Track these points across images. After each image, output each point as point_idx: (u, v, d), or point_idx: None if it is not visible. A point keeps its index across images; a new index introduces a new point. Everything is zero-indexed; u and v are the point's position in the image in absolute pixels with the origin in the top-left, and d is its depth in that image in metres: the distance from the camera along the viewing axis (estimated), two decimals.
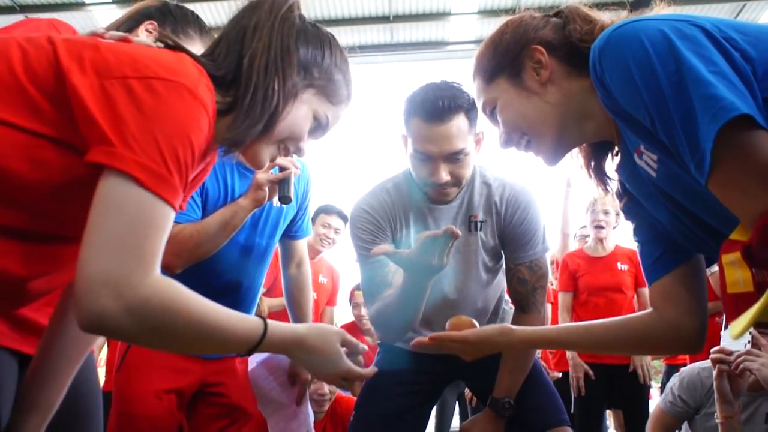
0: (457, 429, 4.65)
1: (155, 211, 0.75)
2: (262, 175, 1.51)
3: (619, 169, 1.01)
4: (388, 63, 8.13)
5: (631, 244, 3.26)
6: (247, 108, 0.88)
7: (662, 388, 3.69)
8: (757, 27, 0.83)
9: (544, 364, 3.08)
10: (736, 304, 0.72)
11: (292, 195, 1.52)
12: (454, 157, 1.47)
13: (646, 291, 1.89)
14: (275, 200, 1.60)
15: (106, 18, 7.16)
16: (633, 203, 1.05)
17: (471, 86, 1.13)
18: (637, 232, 1.08)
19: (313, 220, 3.37)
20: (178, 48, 0.89)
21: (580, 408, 3.21)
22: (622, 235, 3.55)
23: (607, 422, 4.23)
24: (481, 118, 1.16)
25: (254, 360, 1.82)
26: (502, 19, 1.09)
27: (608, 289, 3.35)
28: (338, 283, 3.67)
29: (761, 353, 1.70)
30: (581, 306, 3.40)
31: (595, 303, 3.36)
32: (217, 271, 1.62)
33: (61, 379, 1.01)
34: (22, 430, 0.98)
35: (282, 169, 1.52)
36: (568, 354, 3.24)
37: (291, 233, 1.85)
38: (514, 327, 1.22)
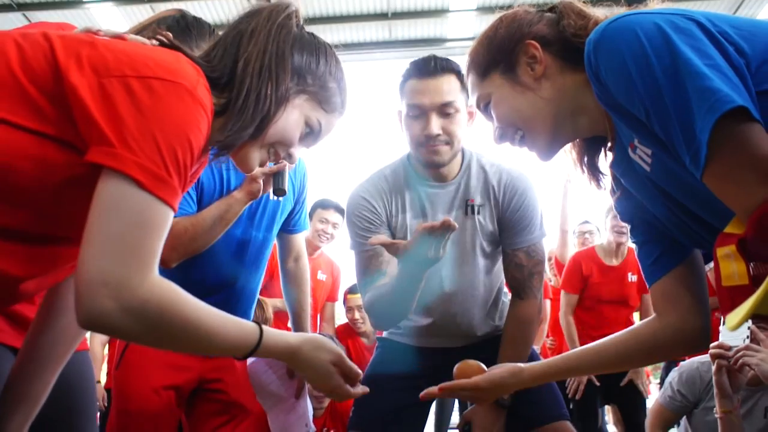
0: (457, 423, 4.66)
1: (154, 212, 0.75)
2: (256, 168, 1.52)
3: (614, 164, 1.01)
4: (386, 60, 8.10)
5: None
6: (240, 110, 0.88)
7: (661, 384, 3.71)
8: (750, 21, 0.84)
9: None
10: (731, 297, 0.73)
11: (287, 187, 1.52)
12: (444, 111, 1.51)
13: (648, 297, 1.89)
14: (271, 193, 1.60)
15: (104, 16, 7.15)
16: (629, 202, 1.05)
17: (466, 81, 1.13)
18: (635, 233, 1.08)
19: (310, 215, 3.34)
20: (174, 47, 0.90)
21: (578, 403, 3.21)
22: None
23: (606, 417, 4.24)
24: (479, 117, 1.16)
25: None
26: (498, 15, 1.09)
27: (616, 301, 3.35)
28: (339, 278, 3.63)
29: (760, 348, 1.70)
30: (585, 311, 3.37)
31: (599, 311, 3.37)
32: (213, 266, 1.61)
33: (48, 373, 1.01)
34: (9, 423, 0.98)
35: (276, 161, 1.52)
36: None
37: (288, 227, 1.85)
38: (523, 366, 1.21)
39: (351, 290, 3.52)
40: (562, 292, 3.44)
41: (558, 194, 3.84)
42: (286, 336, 0.92)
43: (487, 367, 1.26)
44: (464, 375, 1.23)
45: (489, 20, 1.08)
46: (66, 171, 0.78)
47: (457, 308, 1.65)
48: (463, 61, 1.14)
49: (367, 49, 7.79)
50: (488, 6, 7.22)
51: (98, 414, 3.33)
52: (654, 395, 3.90)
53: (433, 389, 1.24)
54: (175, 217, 1.23)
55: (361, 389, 1.01)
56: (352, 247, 1.62)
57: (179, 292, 0.79)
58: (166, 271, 1.48)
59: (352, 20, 7.42)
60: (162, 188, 0.75)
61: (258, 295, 1.89)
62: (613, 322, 3.21)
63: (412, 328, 1.70)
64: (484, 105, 1.07)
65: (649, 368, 3.53)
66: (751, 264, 0.72)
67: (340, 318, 3.83)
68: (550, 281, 4.22)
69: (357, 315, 3.49)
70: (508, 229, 1.60)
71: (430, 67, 1.52)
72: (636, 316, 3.52)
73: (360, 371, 1.00)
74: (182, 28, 1.35)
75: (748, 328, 1.75)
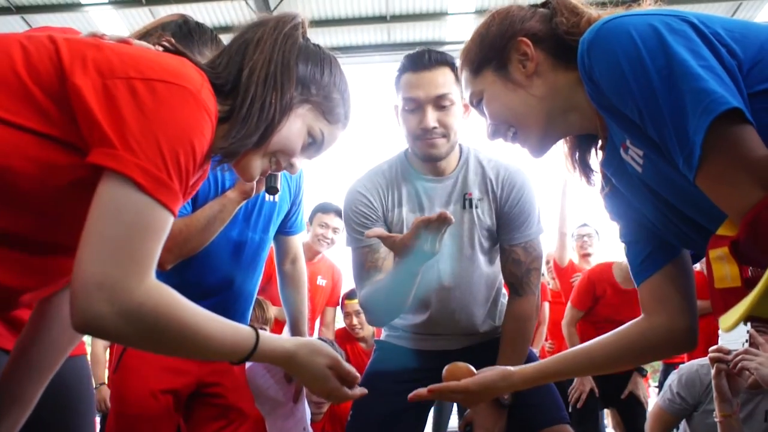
0: (455, 427, 4.65)
1: (153, 215, 0.75)
2: None
3: (605, 163, 1.01)
4: (385, 63, 8.12)
5: None
6: (244, 118, 0.88)
7: (660, 387, 3.71)
8: (742, 24, 0.84)
9: None
10: (724, 299, 0.73)
11: (280, 186, 1.52)
12: (440, 103, 1.51)
13: None
14: (265, 193, 1.60)
15: (102, 19, 7.15)
16: (618, 201, 1.05)
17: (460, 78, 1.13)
18: (623, 232, 1.08)
19: (310, 219, 3.31)
20: (179, 53, 0.90)
21: (577, 407, 3.21)
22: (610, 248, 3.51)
23: (605, 421, 4.23)
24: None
25: None
26: None
27: (624, 323, 3.32)
28: (340, 283, 3.59)
29: (759, 352, 1.70)
30: (595, 328, 3.27)
31: (609, 330, 3.33)
32: (209, 267, 1.61)
33: (38, 379, 1.01)
34: (1, 424, 0.98)
35: None
36: None
37: (285, 229, 1.85)
38: (513, 369, 1.21)
39: (349, 296, 3.50)
40: (569, 305, 3.39)
41: (557, 196, 3.84)
42: (282, 341, 0.92)
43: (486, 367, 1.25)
44: (453, 377, 1.23)
45: None
46: (69, 174, 0.77)
47: (456, 304, 1.64)
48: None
49: (365, 52, 7.81)
50: (487, 9, 7.21)
51: (102, 416, 3.33)
52: (653, 398, 3.90)
53: (422, 391, 1.23)
54: None
55: (359, 391, 1.01)
56: (348, 243, 1.62)
57: (176, 296, 0.78)
58: (163, 273, 1.48)
59: (351, 23, 7.43)
60: (162, 191, 0.75)
61: (257, 296, 1.89)
62: None
63: (410, 327, 1.69)
64: (477, 102, 1.07)
65: (647, 370, 3.52)
66: (743, 266, 0.72)
67: (340, 323, 3.82)
68: (549, 284, 4.22)
69: (355, 320, 3.48)
70: (506, 224, 1.60)
71: (425, 60, 1.53)
72: None
73: (357, 374, 1.00)
74: (184, 34, 1.35)
75: (747, 331, 1.74)
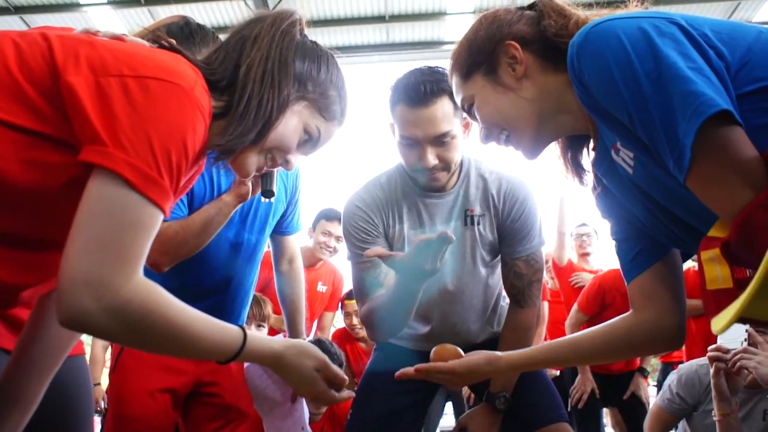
0: (446, 428, 4.65)
1: (142, 212, 0.75)
2: None
3: (596, 163, 1.01)
4: (384, 63, 8.12)
5: None
6: (241, 115, 0.88)
7: (659, 387, 3.71)
8: (729, 25, 0.84)
9: None
10: (716, 301, 0.73)
11: (275, 189, 1.52)
12: (440, 140, 1.45)
13: None
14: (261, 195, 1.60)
15: (101, 19, 7.15)
16: (609, 200, 1.06)
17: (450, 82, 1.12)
18: (614, 230, 1.08)
19: (314, 225, 3.29)
20: (173, 49, 0.89)
21: (579, 408, 3.22)
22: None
23: (605, 420, 4.24)
24: None
25: None
26: None
27: None
28: (340, 288, 3.57)
29: (757, 351, 1.71)
30: None
31: None
32: (206, 268, 1.61)
33: (39, 378, 1.01)
34: (2, 425, 0.98)
35: None
36: (579, 366, 3.22)
37: (281, 229, 1.84)
38: (500, 354, 1.21)
39: (348, 296, 3.50)
40: (575, 308, 3.37)
41: (556, 196, 3.84)
42: (271, 341, 0.92)
43: None
44: (441, 359, 1.23)
45: None
46: (63, 173, 0.77)
47: (456, 318, 1.64)
48: None
49: (364, 51, 7.80)
50: (486, 9, 7.22)
51: (101, 417, 3.33)
52: (652, 398, 3.90)
53: (409, 370, 1.24)
54: (166, 221, 1.22)
55: (346, 394, 1.01)
56: (349, 258, 1.60)
57: (163, 294, 0.78)
58: (158, 275, 1.48)
59: (350, 23, 7.43)
60: (152, 189, 0.75)
61: (255, 293, 1.88)
62: None
63: (410, 335, 1.69)
64: (468, 106, 1.07)
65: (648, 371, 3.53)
66: (735, 267, 0.72)
67: (339, 323, 3.81)
68: (548, 284, 4.22)
69: (355, 320, 3.47)
70: (508, 238, 1.58)
71: (421, 94, 1.41)
72: None
73: (345, 376, 1.00)
74: (186, 35, 1.35)
75: (746, 330, 1.75)
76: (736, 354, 1.72)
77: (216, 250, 1.60)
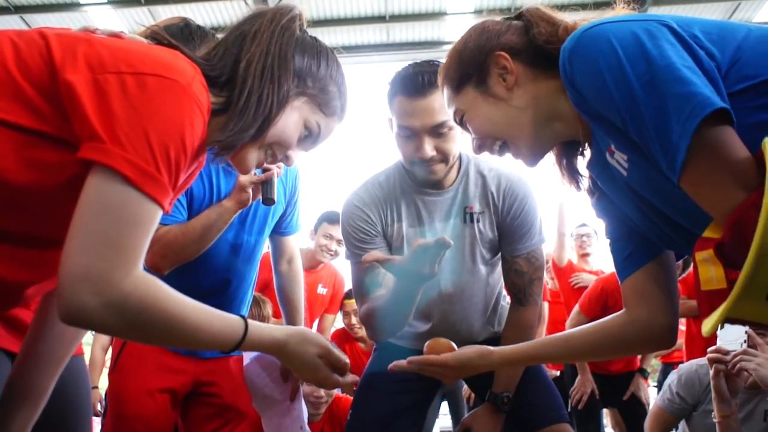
0: (443, 428, 4.64)
1: (141, 208, 0.75)
2: (245, 177, 1.51)
3: (590, 166, 1.02)
4: (384, 63, 8.12)
5: None
6: (241, 111, 0.88)
7: (659, 387, 3.71)
8: (719, 25, 0.85)
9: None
10: (710, 301, 0.74)
11: (275, 196, 1.52)
12: (437, 131, 1.44)
13: None
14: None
15: (101, 18, 7.15)
16: (604, 200, 1.06)
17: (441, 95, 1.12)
18: (609, 230, 1.09)
19: (316, 228, 3.28)
20: (171, 45, 0.89)
21: (579, 409, 3.22)
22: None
23: (604, 421, 4.24)
24: None
25: (248, 356, 1.82)
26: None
27: None
28: (341, 290, 3.54)
29: (757, 353, 1.70)
30: None
31: None
32: (206, 270, 1.61)
33: (47, 375, 1.01)
34: (12, 423, 0.98)
35: (265, 170, 1.52)
36: (579, 367, 3.23)
37: (280, 230, 1.84)
38: (492, 348, 1.21)
39: (348, 295, 3.50)
40: (576, 309, 3.38)
41: (555, 197, 3.84)
42: (272, 330, 0.93)
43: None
44: (434, 352, 1.24)
45: None
46: (63, 171, 0.77)
47: (456, 316, 1.64)
48: None
49: (364, 51, 7.81)
50: (486, 9, 7.24)
51: (100, 419, 3.33)
52: (652, 399, 3.90)
53: (402, 362, 1.24)
54: (165, 224, 1.22)
55: (350, 378, 1.01)
56: (347, 258, 1.60)
57: (162, 287, 0.79)
58: (159, 277, 1.48)
59: (350, 23, 7.44)
60: (150, 185, 0.75)
61: (255, 293, 1.88)
62: None
63: (410, 333, 1.69)
64: (460, 118, 1.08)
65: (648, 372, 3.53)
66: (729, 268, 0.72)
67: (339, 324, 3.81)
68: (548, 284, 4.22)
69: (354, 320, 3.47)
70: (508, 235, 1.57)
71: (419, 85, 1.42)
72: None
73: (348, 361, 1.00)
74: (186, 37, 1.35)
75: (746, 332, 1.74)
76: (735, 356, 1.72)
77: (215, 252, 1.60)
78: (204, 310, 0.84)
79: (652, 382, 5.47)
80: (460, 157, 1.59)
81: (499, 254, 1.64)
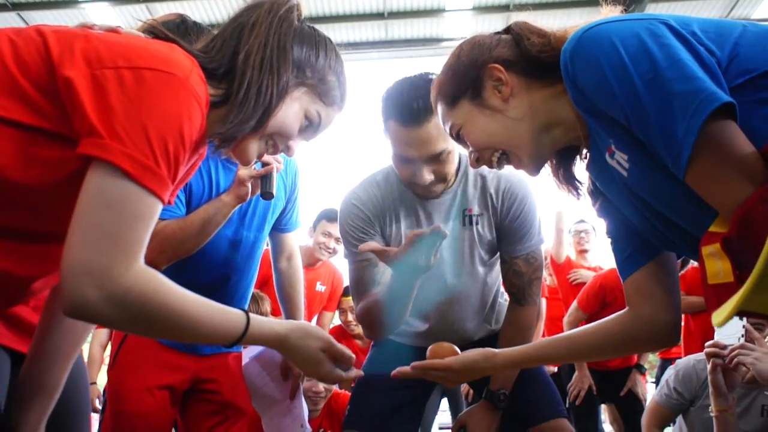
0: (442, 424, 4.64)
1: (141, 202, 0.75)
2: (244, 171, 1.51)
3: (589, 167, 1.02)
4: (382, 60, 8.12)
5: None
6: (241, 103, 0.88)
7: (657, 383, 3.72)
8: (715, 23, 0.85)
9: None
10: (717, 295, 0.74)
11: (275, 191, 1.52)
12: (436, 158, 1.43)
13: None
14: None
15: (99, 16, 7.14)
16: (605, 200, 1.06)
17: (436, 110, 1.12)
18: (610, 229, 1.10)
19: (314, 226, 3.27)
20: (168, 39, 0.89)
21: (576, 404, 3.22)
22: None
23: (602, 417, 4.25)
24: None
25: (247, 355, 1.82)
26: (497, 16, 1.10)
27: None
28: (340, 288, 3.53)
29: (755, 347, 1.71)
30: None
31: None
32: (205, 266, 1.61)
33: (58, 368, 1.02)
34: (27, 417, 0.99)
35: (264, 164, 1.51)
36: (576, 364, 3.23)
37: (280, 226, 1.84)
38: (496, 350, 1.22)
39: (345, 293, 3.50)
40: (575, 305, 3.37)
41: (553, 193, 3.84)
42: (274, 324, 0.93)
43: None
44: (437, 356, 1.24)
45: (485, 20, 1.09)
46: (64, 167, 0.78)
47: (455, 316, 1.64)
48: None
49: (363, 48, 7.80)
50: (484, 6, 7.24)
51: (98, 415, 3.34)
52: (650, 394, 3.91)
53: (405, 368, 1.24)
54: (163, 219, 1.22)
55: (354, 373, 1.01)
56: (346, 256, 1.60)
57: (163, 281, 0.79)
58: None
59: (349, 20, 7.43)
60: (149, 179, 0.75)
61: (254, 290, 1.87)
62: None
63: (409, 331, 1.70)
64: (457, 133, 1.08)
65: (645, 368, 3.54)
66: (736, 262, 0.72)
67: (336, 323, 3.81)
68: (546, 280, 4.23)
69: (350, 317, 3.47)
70: (507, 236, 1.57)
71: (414, 113, 1.36)
72: None
73: (351, 353, 1.00)
74: (182, 33, 1.35)
75: (743, 326, 1.75)
76: (733, 350, 1.72)
77: (214, 248, 1.60)
78: (205, 304, 0.84)
79: (650, 378, 5.48)
80: (459, 158, 1.58)
81: (497, 254, 1.64)
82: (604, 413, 4.41)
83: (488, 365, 1.21)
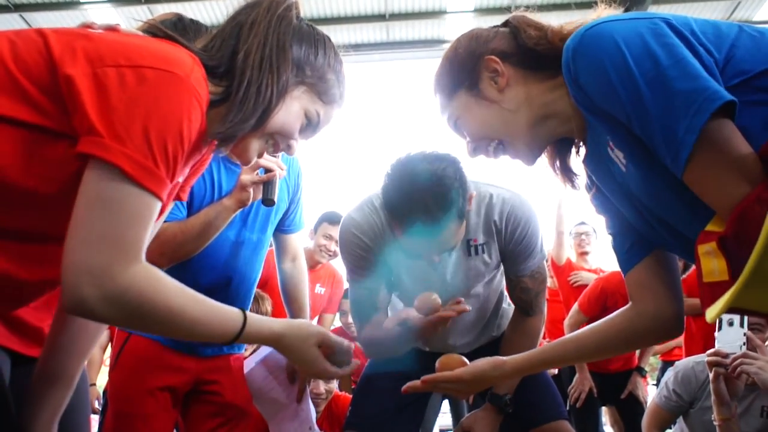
0: (443, 426, 4.63)
1: (139, 202, 0.76)
2: (246, 177, 1.51)
3: (586, 161, 1.03)
4: (384, 62, 8.11)
5: None
6: (240, 102, 0.88)
7: (658, 385, 3.72)
8: (712, 24, 0.86)
9: None
10: (712, 293, 0.75)
11: (276, 198, 1.52)
12: (447, 249, 1.45)
13: None
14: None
15: (101, 17, 7.15)
16: (602, 195, 1.07)
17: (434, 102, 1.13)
18: (609, 225, 1.11)
19: (315, 228, 3.27)
20: (169, 37, 0.89)
21: (577, 407, 3.22)
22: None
23: (603, 419, 4.25)
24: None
25: (253, 360, 1.81)
26: (498, 18, 1.10)
27: None
28: (340, 290, 3.52)
29: (757, 355, 1.70)
30: None
31: None
32: (207, 268, 1.61)
33: (79, 355, 1.03)
34: (42, 413, 1.00)
35: (267, 170, 1.52)
36: (577, 365, 3.24)
37: (284, 227, 1.84)
38: (505, 358, 1.22)
39: (345, 295, 3.49)
40: (576, 308, 3.37)
41: (554, 196, 3.84)
42: (270, 322, 0.93)
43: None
44: (447, 368, 1.24)
45: (486, 21, 1.09)
46: (67, 166, 0.78)
47: (457, 338, 1.67)
48: None
49: (364, 50, 7.79)
50: (486, 8, 7.24)
51: (98, 416, 3.34)
52: (651, 396, 3.91)
53: (416, 383, 1.25)
54: (164, 221, 1.20)
55: (350, 367, 1.01)
56: (348, 278, 1.62)
57: (163, 279, 0.80)
58: None
59: (350, 21, 7.42)
60: (148, 178, 0.76)
61: (256, 289, 1.87)
62: None
63: None
64: (454, 123, 1.09)
65: (646, 370, 3.53)
66: (731, 261, 0.73)
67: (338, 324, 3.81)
68: (547, 283, 4.22)
69: (350, 318, 3.47)
70: (512, 258, 1.58)
71: (428, 223, 1.33)
72: None
73: (351, 344, 1.01)
74: (180, 31, 1.35)
75: (744, 334, 1.74)
76: (736, 359, 1.72)
77: (217, 249, 1.60)
78: (204, 303, 0.85)
79: (651, 381, 5.48)
80: None
81: (499, 268, 1.64)
82: (605, 415, 4.41)
83: (497, 373, 1.22)
